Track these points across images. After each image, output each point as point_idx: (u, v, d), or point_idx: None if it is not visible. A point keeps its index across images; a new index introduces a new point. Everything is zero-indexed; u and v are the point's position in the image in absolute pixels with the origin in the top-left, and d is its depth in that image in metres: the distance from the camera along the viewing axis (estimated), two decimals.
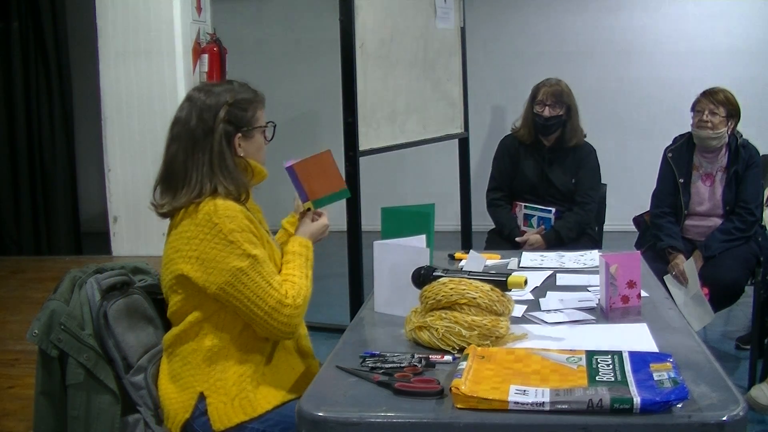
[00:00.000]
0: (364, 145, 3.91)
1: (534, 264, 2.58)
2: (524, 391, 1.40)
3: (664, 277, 3.45)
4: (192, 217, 1.89)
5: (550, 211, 3.68)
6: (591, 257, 2.62)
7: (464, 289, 1.73)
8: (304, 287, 1.93)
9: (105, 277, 1.98)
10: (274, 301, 1.86)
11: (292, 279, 1.93)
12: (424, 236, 2.17)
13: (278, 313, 1.86)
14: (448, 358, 1.65)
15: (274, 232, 2.21)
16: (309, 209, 2.11)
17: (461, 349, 1.66)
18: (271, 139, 2.09)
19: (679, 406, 1.35)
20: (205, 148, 1.92)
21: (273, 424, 1.93)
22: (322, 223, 2.10)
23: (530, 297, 2.16)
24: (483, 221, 4.19)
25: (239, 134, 1.97)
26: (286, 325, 1.88)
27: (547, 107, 3.67)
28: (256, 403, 1.92)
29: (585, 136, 3.80)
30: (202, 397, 1.91)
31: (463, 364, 1.51)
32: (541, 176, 3.76)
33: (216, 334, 1.92)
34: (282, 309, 1.86)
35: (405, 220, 2.30)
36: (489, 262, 2.54)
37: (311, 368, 2.09)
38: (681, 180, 3.64)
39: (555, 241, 3.60)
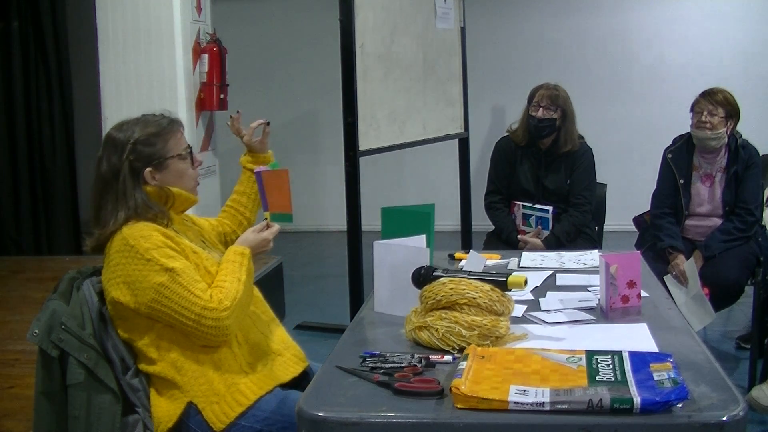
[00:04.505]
0: (364, 145, 3.91)
1: (534, 264, 2.58)
2: (524, 391, 1.40)
3: (665, 277, 3.45)
4: (112, 245, 1.95)
5: (548, 211, 3.68)
6: (591, 257, 2.62)
7: (464, 289, 1.73)
8: (233, 290, 1.93)
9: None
10: (199, 308, 1.87)
11: (221, 284, 1.94)
12: (424, 236, 2.17)
13: (205, 318, 1.87)
14: (448, 358, 1.65)
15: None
16: (266, 219, 2.16)
17: (461, 349, 1.66)
18: (194, 162, 2.12)
19: (679, 406, 1.35)
20: (114, 188, 1.98)
21: (271, 423, 1.94)
22: (263, 237, 2.09)
23: (530, 297, 2.16)
24: (483, 222, 4.18)
25: (149, 168, 2.01)
26: (215, 329, 1.88)
27: (541, 108, 3.67)
28: (248, 391, 1.96)
29: (583, 140, 3.80)
30: (191, 404, 1.94)
31: (463, 364, 1.51)
32: (537, 180, 3.76)
33: (173, 346, 1.95)
34: (208, 314, 1.87)
35: (405, 220, 2.30)
36: (489, 262, 2.54)
37: (296, 357, 2.14)
38: (681, 181, 3.63)
39: (555, 245, 3.61)
